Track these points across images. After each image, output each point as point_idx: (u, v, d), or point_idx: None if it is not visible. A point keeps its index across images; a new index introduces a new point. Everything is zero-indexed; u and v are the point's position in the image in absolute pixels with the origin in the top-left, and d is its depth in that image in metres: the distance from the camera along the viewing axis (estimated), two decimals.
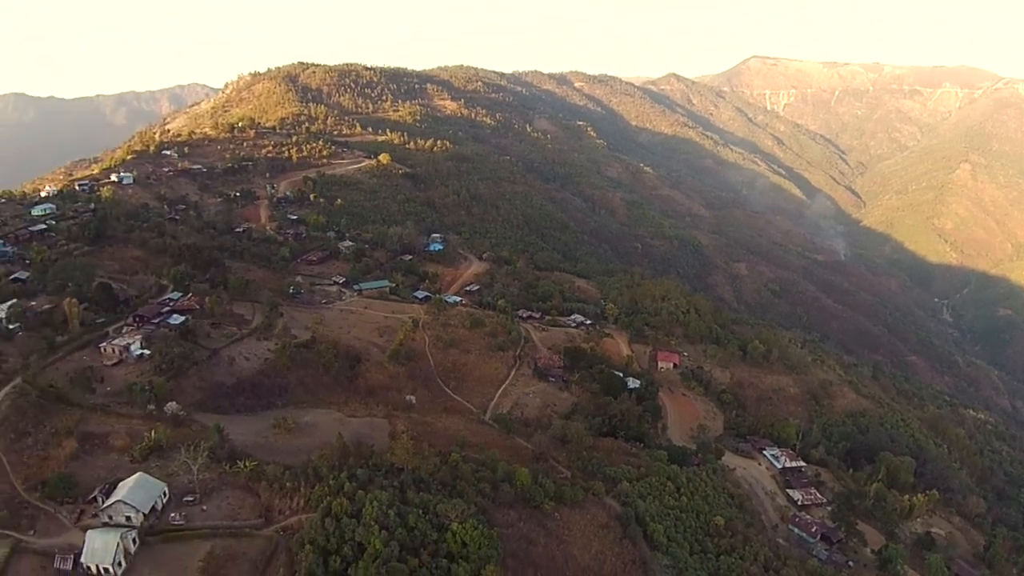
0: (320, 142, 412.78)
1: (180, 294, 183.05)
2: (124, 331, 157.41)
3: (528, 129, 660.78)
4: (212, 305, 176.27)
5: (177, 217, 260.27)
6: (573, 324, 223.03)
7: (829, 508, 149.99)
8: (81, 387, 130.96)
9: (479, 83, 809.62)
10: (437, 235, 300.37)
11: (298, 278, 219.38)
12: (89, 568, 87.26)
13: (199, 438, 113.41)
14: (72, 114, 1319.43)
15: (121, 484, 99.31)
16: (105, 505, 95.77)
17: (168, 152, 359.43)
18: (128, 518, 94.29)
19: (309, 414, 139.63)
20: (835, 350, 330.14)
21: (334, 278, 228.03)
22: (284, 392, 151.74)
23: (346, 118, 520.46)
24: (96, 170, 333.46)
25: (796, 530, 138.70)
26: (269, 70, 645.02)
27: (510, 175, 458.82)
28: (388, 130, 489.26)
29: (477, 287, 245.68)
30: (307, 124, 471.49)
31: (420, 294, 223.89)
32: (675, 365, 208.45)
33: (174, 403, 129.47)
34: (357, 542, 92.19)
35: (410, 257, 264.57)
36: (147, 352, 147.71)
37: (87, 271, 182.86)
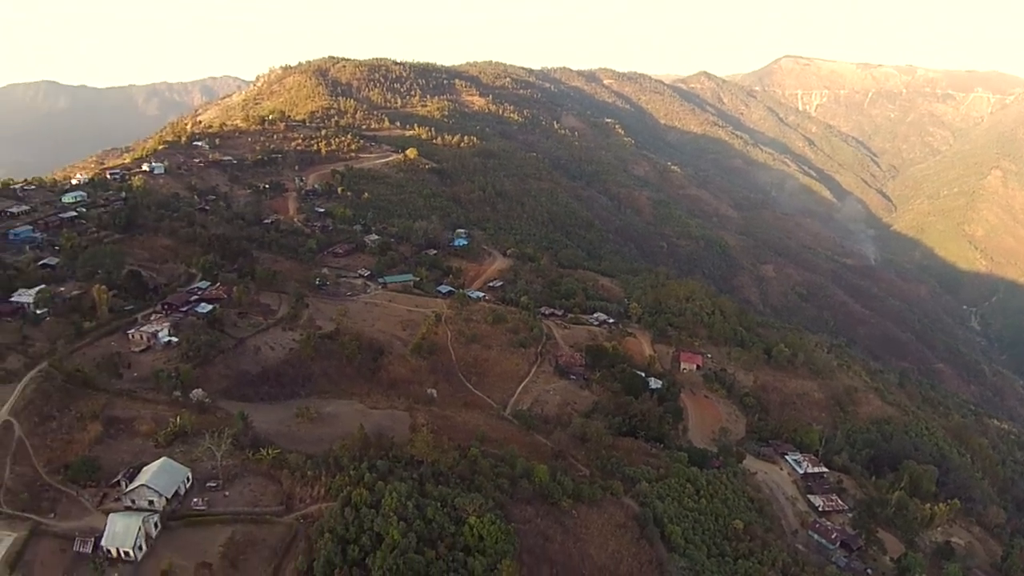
0: (348, 136, 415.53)
1: (208, 283, 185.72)
2: (152, 318, 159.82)
3: (555, 126, 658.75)
4: (239, 295, 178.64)
5: (207, 207, 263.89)
6: (596, 322, 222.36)
7: (850, 515, 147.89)
8: (108, 372, 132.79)
9: (507, 79, 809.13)
10: (462, 230, 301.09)
11: (324, 270, 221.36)
12: (109, 551, 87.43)
13: (223, 425, 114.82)
14: (104, 103, 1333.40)
15: (145, 468, 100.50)
16: (128, 489, 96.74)
17: (199, 143, 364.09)
18: (151, 502, 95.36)
19: (331, 404, 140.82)
20: (862, 356, 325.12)
21: (359, 271, 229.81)
22: (308, 382, 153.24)
23: (375, 112, 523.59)
24: (128, 159, 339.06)
25: (816, 536, 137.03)
26: (300, 64, 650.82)
27: (536, 172, 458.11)
28: (416, 125, 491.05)
29: (500, 283, 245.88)
30: (336, 118, 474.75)
31: (443, 289, 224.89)
32: (698, 367, 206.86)
33: (200, 390, 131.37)
34: (375, 532, 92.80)
35: (434, 252, 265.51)
36: (175, 339, 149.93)
37: (117, 258, 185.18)
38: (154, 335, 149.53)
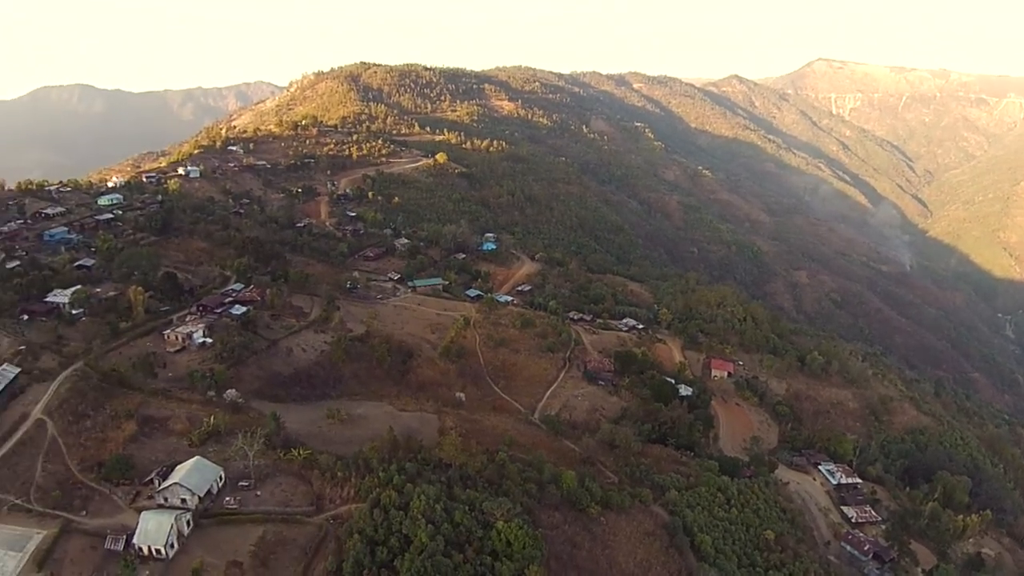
0: (379, 141, 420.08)
1: (242, 286, 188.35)
2: (187, 319, 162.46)
3: (584, 130, 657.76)
4: (273, 297, 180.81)
5: (241, 211, 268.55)
6: (624, 328, 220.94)
7: (883, 526, 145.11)
8: (143, 372, 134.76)
9: (536, 84, 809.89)
10: (490, 235, 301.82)
11: (355, 273, 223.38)
12: (141, 549, 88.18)
13: (256, 425, 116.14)
14: (139, 107, 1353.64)
15: (178, 467, 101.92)
16: (162, 487, 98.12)
17: (234, 148, 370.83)
18: (183, 500, 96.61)
19: (361, 406, 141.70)
20: (897, 364, 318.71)
21: (389, 274, 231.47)
22: (338, 384, 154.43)
23: (405, 118, 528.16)
24: (164, 163, 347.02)
25: (848, 548, 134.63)
26: (332, 70, 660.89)
27: (565, 176, 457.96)
28: (445, 130, 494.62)
29: (529, 287, 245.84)
30: (367, 123, 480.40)
31: (472, 292, 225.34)
32: (729, 374, 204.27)
33: (233, 390, 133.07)
34: (404, 534, 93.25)
35: (463, 256, 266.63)
36: (209, 340, 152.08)
37: (153, 260, 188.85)
38: (189, 336, 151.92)
